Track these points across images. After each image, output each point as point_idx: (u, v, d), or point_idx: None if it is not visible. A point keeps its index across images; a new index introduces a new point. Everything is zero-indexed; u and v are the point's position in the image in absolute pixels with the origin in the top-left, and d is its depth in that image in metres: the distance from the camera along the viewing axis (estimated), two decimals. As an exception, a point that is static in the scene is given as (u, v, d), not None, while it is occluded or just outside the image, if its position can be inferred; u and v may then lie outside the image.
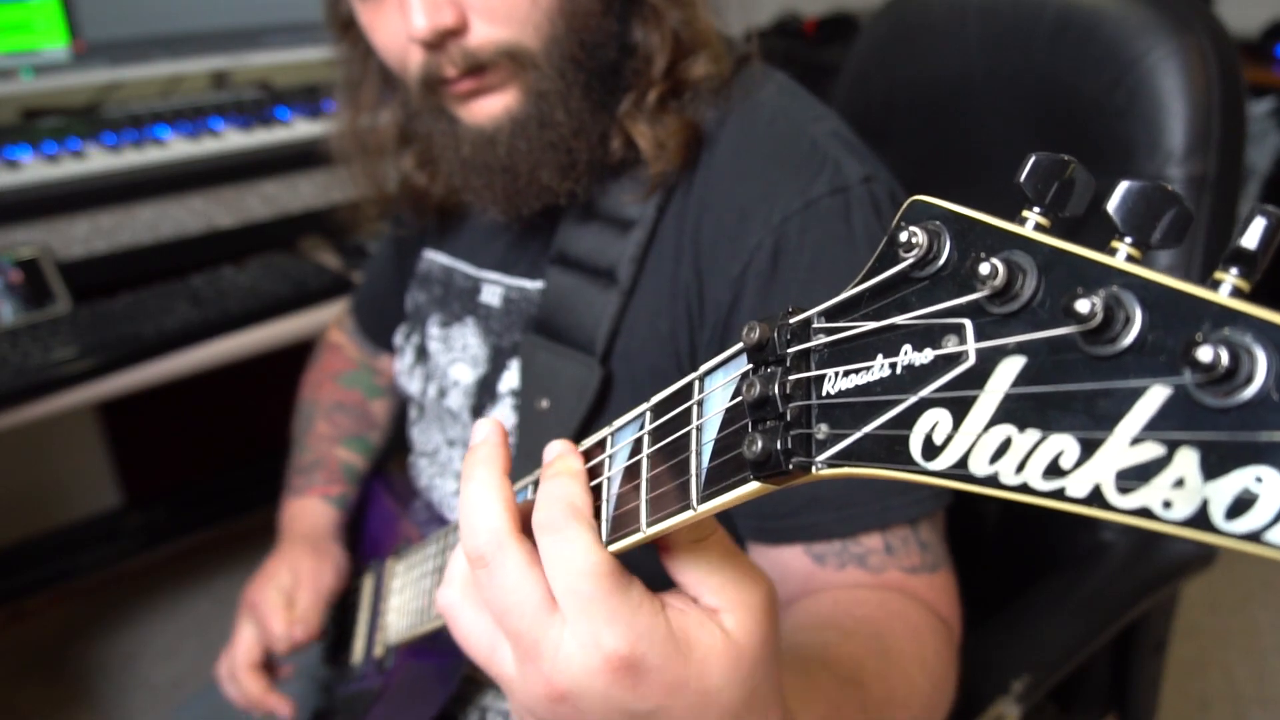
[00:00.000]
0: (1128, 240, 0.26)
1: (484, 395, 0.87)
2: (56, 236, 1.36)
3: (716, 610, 0.41)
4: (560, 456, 0.45)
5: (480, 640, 0.45)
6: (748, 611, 0.41)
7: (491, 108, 0.76)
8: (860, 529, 0.69)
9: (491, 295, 0.88)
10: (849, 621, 0.64)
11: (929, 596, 0.69)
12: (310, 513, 1.02)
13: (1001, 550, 1.03)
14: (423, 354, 0.95)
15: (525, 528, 0.43)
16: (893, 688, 0.59)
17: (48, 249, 1.35)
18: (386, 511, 1.02)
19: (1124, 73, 0.83)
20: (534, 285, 0.85)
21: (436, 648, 0.81)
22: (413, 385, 0.97)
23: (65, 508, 2.09)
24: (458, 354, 0.90)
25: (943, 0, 1.01)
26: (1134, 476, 0.24)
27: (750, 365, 0.36)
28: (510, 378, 0.84)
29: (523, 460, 0.81)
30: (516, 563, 0.41)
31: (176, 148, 1.48)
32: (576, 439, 0.76)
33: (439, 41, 0.72)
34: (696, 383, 0.40)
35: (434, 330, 0.94)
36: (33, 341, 1.26)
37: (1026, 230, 0.28)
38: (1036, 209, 0.29)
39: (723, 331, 0.74)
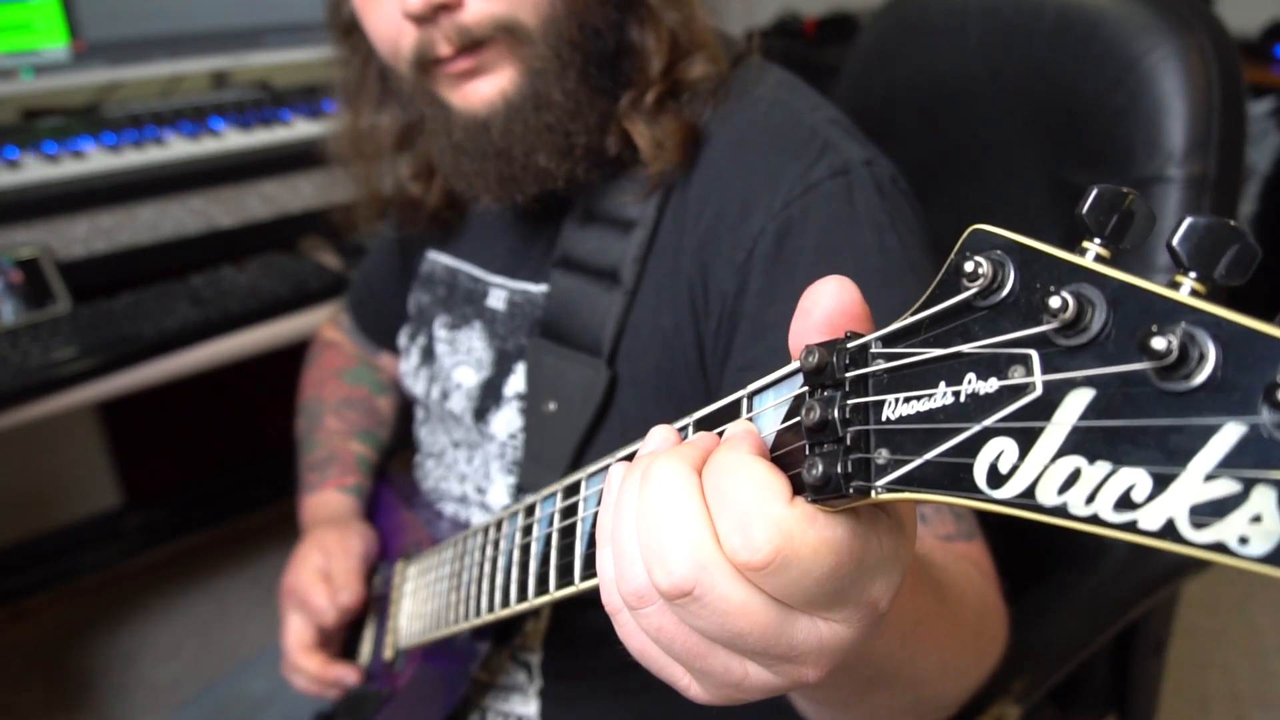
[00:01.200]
0: (1192, 275, 0.26)
1: (488, 398, 0.87)
2: (56, 236, 1.36)
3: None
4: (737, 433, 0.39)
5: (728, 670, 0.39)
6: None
7: (486, 91, 0.75)
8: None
9: (497, 300, 0.88)
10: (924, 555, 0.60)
11: (973, 558, 0.68)
12: (328, 503, 1.02)
13: (1001, 550, 1.03)
14: (429, 356, 0.95)
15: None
16: (963, 611, 0.58)
17: (48, 249, 1.35)
18: (392, 511, 1.02)
19: (1124, 73, 0.83)
20: (538, 289, 0.85)
21: (447, 651, 0.81)
22: (418, 387, 0.97)
23: (65, 508, 2.09)
24: (463, 357, 0.90)
25: (943, 0, 1.01)
26: (1208, 512, 0.24)
27: (806, 388, 0.36)
28: (516, 381, 0.84)
29: (529, 463, 0.81)
30: (731, 584, 0.35)
31: (176, 148, 1.48)
32: (584, 441, 0.77)
33: (431, 15, 0.71)
34: (745, 400, 0.40)
35: (441, 333, 0.93)
36: (33, 341, 1.26)
37: (1093, 263, 0.28)
38: (1097, 240, 0.29)
39: (729, 320, 0.73)
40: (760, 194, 0.73)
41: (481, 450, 0.88)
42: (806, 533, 0.34)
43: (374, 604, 0.95)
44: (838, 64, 1.16)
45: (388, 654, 0.87)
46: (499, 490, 0.86)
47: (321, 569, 0.92)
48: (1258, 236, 0.26)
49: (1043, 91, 0.90)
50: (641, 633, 0.40)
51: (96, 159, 1.42)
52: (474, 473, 0.89)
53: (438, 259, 0.97)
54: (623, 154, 0.78)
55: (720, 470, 0.36)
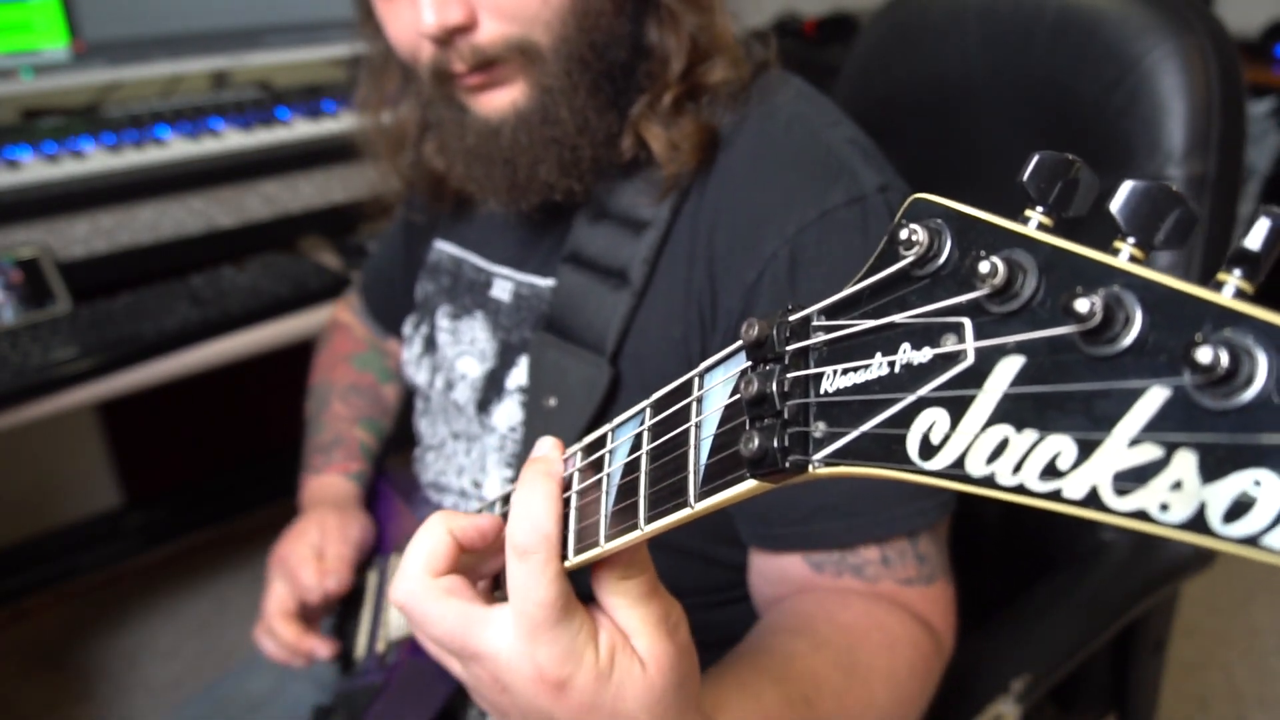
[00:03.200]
0: (1131, 241, 0.26)
1: (490, 390, 0.87)
2: (56, 236, 1.36)
3: (629, 634, 0.46)
4: (543, 459, 0.47)
5: (451, 629, 0.51)
6: (659, 642, 0.46)
7: (499, 101, 0.77)
8: (859, 540, 0.69)
9: (502, 290, 0.89)
10: (825, 628, 0.65)
11: (921, 607, 0.70)
12: (331, 486, 1.03)
13: (1001, 550, 1.03)
14: (431, 345, 0.96)
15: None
16: (847, 706, 0.61)
17: (48, 249, 1.35)
18: (390, 507, 1.02)
19: (1124, 73, 0.82)
20: (545, 283, 0.85)
21: None
22: (420, 376, 0.97)
23: (65, 508, 2.09)
24: (465, 347, 0.90)
25: (943, 0, 1.01)
26: (1131, 479, 0.24)
27: (749, 363, 0.36)
28: (518, 374, 0.84)
29: (527, 457, 0.81)
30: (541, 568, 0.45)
31: (176, 148, 1.48)
32: (582, 438, 0.77)
33: (447, 38, 0.72)
34: (696, 379, 0.40)
35: (443, 322, 0.94)
36: (33, 341, 1.26)
37: (1028, 229, 0.28)
38: (1040, 208, 0.28)
39: (733, 339, 0.73)
40: (775, 214, 0.73)
41: (480, 442, 0.88)
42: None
43: (368, 597, 0.95)
44: (838, 64, 1.16)
45: (380, 646, 0.87)
46: (494, 484, 0.86)
47: (316, 546, 0.93)
48: (1258, 237, 0.26)
49: (1042, 92, 0.90)
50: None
51: (96, 159, 1.42)
52: (471, 465, 0.89)
53: (445, 248, 0.97)
54: (639, 155, 0.79)
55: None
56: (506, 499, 0.49)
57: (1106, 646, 1.01)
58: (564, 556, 0.44)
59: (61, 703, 1.87)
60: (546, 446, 0.48)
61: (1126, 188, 0.26)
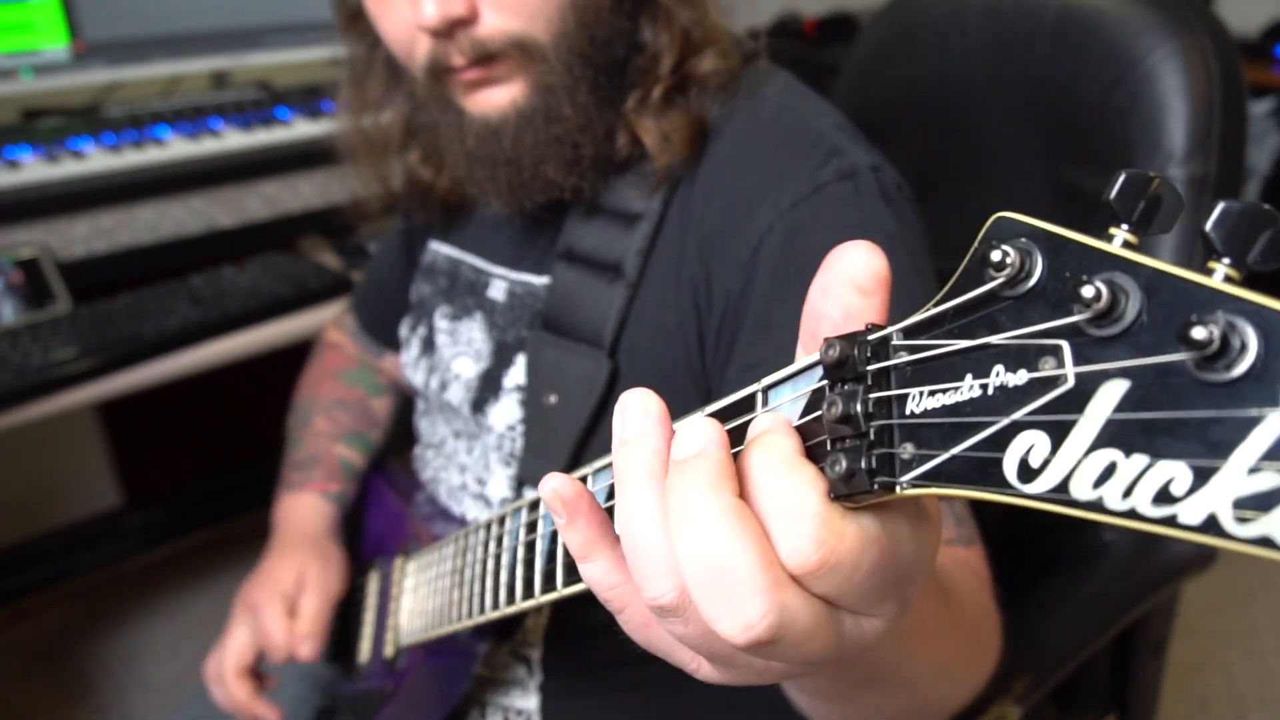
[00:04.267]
0: (1226, 261, 0.26)
1: (486, 390, 0.87)
2: (56, 236, 1.36)
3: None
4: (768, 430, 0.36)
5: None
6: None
7: (498, 99, 0.76)
8: None
9: (497, 290, 0.89)
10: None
11: (971, 564, 0.68)
12: (308, 510, 1.01)
13: (1002, 550, 1.02)
14: (429, 346, 0.95)
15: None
16: (967, 609, 0.59)
17: (48, 249, 1.35)
18: (389, 507, 1.01)
19: (1125, 73, 0.82)
20: (540, 280, 0.85)
21: (449, 647, 0.81)
22: (417, 377, 0.97)
23: (65, 508, 2.09)
24: (462, 348, 0.90)
25: (943, 1, 1.01)
26: (1252, 506, 0.23)
27: (825, 381, 0.36)
28: (516, 373, 0.84)
29: (529, 456, 0.81)
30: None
31: (176, 148, 1.48)
32: (585, 434, 0.77)
33: (448, 31, 0.72)
34: (760, 394, 0.40)
35: (442, 323, 0.94)
36: (33, 341, 1.26)
37: (1124, 250, 0.27)
38: (1125, 226, 0.28)
39: (732, 319, 0.73)
40: (767, 192, 0.72)
41: (480, 441, 0.88)
42: (850, 530, 0.32)
43: (370, 600, 0.95)
44: (838, 64, 1.16)
45: (388, 651, 0.87)
46: (499, 482, 0.86)
47: (290, 598, 0.91)
48: (1258, 237, 0.26)
49: (1043, 92, 0.90)
50: (647, 627, 0.40)
51: (96, 159, 1.42)
52: (474, 464, 0.89)
53: (440, 249, 0.97)
54: (631, 150, 0.79)
55: (761, 471, 0.34)
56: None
57: (1106, 647, 1.01)
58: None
59: (61, 703, 1.87)
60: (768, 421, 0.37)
61: (1220, 208, 0.26)
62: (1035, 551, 0.99)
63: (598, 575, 0.40)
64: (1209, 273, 0.26)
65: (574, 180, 0.78)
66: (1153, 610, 1.00)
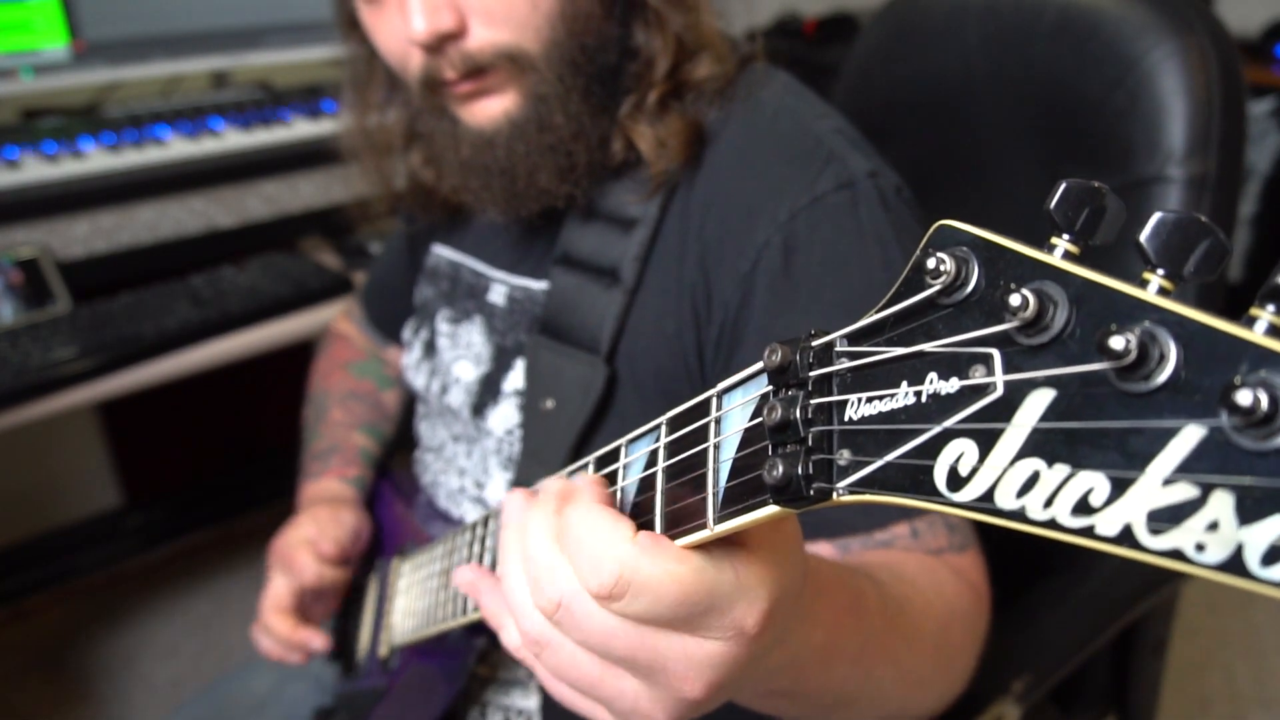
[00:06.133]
0: (1160, 272, 0.26)
1: (486, 393, 0.87)
2: (56, 236, 1.36)
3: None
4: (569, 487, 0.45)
5: (609, 686, 0.44)
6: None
7: (491, 110, 0.76)
8: (886, 520, 0.68)
9: (497, 294, 0.89)
10: (880, 573, 0.62)
11: (958, 570, 0.69)
12: (327, 489, 1.03)
13: (1002, 550, 1.03)
14: (430, 349, 0.96)
15: None
16: (926, 622, 0.60)
17: (48, 249, 1.35)
18: (392, 508, 1.02)
19: (1124, 73, 0.82)
20: (538, 285, 0.85)
21: (443, 648, 0.81)
22: (419, 380, 0.97)
23: (65, 508, 2.09)
24: (463, 351, 0.90)
25: (943, 0, 1.01)
26: (1166, 518, 0.23)
27: (771, 387, 0.36)
28: (515, 377, 0.84)
29: (527, 460, 0.81)
30: (594, 610, 0.41)
31: (176, 148, 1.48)
32: (582, 439, 0.77)
33: (438, 45, 0.72)
34: (714, 399, 0.40)
35: (443, 327, 0.94)
36: (33, 341, 1.26)
37: (1057, 260, 0.27)
38: (1066, 236, 0.28)
39: (731, 330, 0.73)
40: (766, 203, 0.73)
41: (480, 445, 0.88)
42: (647, 565, 0.38)
43: (369, 599, 0.95)
44: (838, 64, 1.16)
45: (382, 651, 0.87)
46: (497, 485, 0.86)
47: (311, 538, 0.93)
48: (1258, 236, 0.26)
49: (1043, 92, 0.90)
50: (553, 678, 0.46)
51: (96, 159, 1.42)
52: (473, 467, 0.89)
53: (443, 253, 0.97)
54: (628, 156, 0.79)
55: (571, 520, 0.42)
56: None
57: (1106, 646, 1.01)
58: None
59: (61, 703, 1.87)
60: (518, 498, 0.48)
61: (1155, 218, 0.26)
62: (1035, 552, 0.99)
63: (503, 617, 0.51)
64: (1144, 284, 0.26)
65: (568, 188, 0.78)
66: (1153, 610, 1.00)
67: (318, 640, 0.90)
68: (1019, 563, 1.01)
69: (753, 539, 0.40)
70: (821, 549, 0.71)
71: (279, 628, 0.90)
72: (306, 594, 0.92)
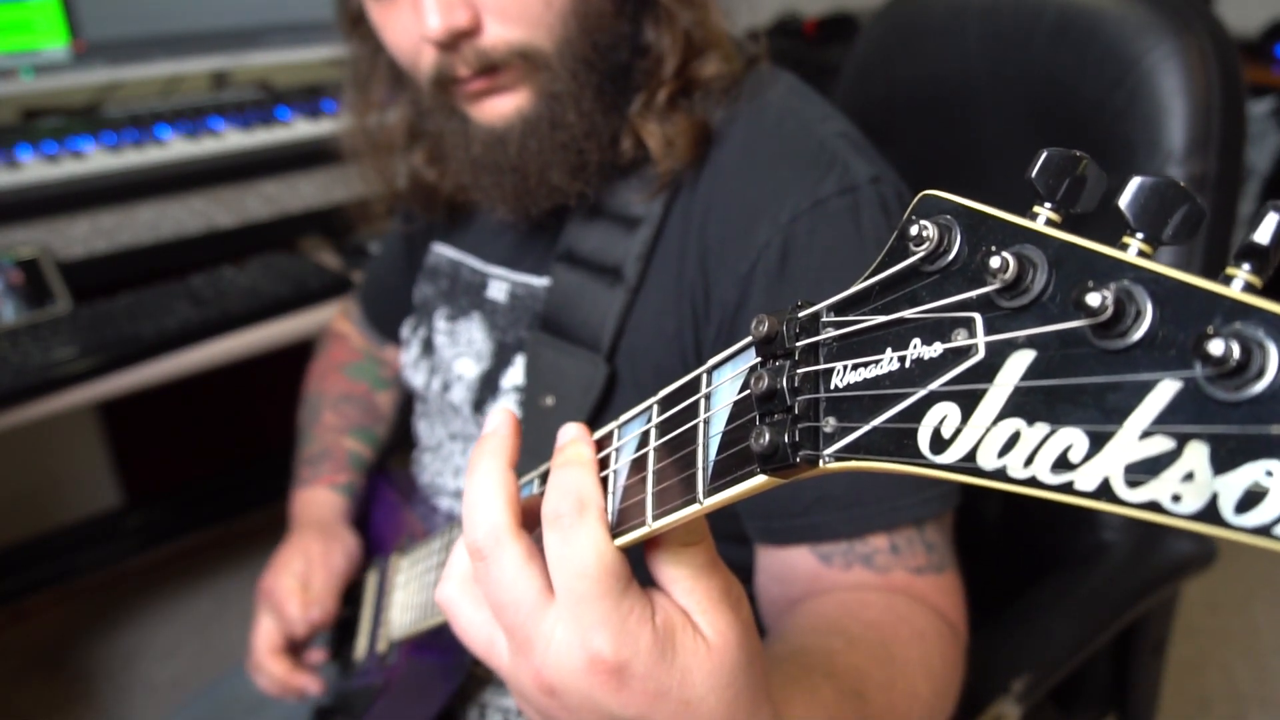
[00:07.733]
0: (1139, 236, 0.26)
1: (486, 390, 0.87)
2: (56, 236, 1.36)
3: (689, 611, 0.42)
4: (572, 442, 0.45)
5: (479, 634, 0.47)
6: (722, 617, 0.42)
7: (503, 107, 0.76)
8: (867, 529, 0.69)
9: (498, 291, 0.89)
10: (855, 627, 0.64)
11: (934, 598, 0.69)
12: (318, 501, 1.03)
13: (1002, 550, 1.03)
14: (429, 347, 0.96)
15: (532, 521, 0.44)
16: (895, 700, 0.59)
17: (48, 249, 1.35)
18: (391, 507, 1.02)
19: (1124, 73, 0.83)
20: (540, 282, 0.85)
21: (440, 644, 0.81)
22: (418, 378, 0.97)
23: (65, 508, 2.09)
24: (463, 348, 0.90)
25: (943, 0, 1.01)
26: (1143, 470, 0.24)
27: (759, 359, 0.36)
28: (514, 374, 0.84)
29: (527, 458, 0.81)
30: (514, 558, 0.42)
31: (176, 148, 1.48)
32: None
33: (452, 42, 0.72)
34: (704, 376, 0.40)
35: (441, 324, 0.94)
36: (33, 341, 1.26)
37: (1037, 225, 0.28)
38: (1048, 204, 0.29)
39: (729, 330, 0.74)
40: (767, 205, 0.73)
41: None
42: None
43: (368, 597, 0.95)
44: (838, 64, 1.16)
45: (381, 647, 0.87)
46: None
47: (301, 576, 0.93)
48: (1258, 237, 0.26)
49: (1043, 91, 0.90)
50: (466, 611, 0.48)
51: (96, 159, 1.42)
52: None
53: (442, 251, 0.97)
54: (635, 154, 0.79)
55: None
56: (544, 477, 0.47)
57: (1106, 646, 1.01)
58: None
59: (61, 703, 1.87)
60: (574, 430, 0.46)
61: (1135, 183, 0.26)
62: (1035, 551, 0.99)
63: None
64: (1123, 247, 0.26)
65: (579, 186, 0.78)
66: (1153, 610, 1.00)
67: (313, 686, 0.92)
68: (1019, 562, 1.01)
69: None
70: (802, 558, 0.71)
71: (275, 669, 0.92)
72: (295, 636, 0.93)
